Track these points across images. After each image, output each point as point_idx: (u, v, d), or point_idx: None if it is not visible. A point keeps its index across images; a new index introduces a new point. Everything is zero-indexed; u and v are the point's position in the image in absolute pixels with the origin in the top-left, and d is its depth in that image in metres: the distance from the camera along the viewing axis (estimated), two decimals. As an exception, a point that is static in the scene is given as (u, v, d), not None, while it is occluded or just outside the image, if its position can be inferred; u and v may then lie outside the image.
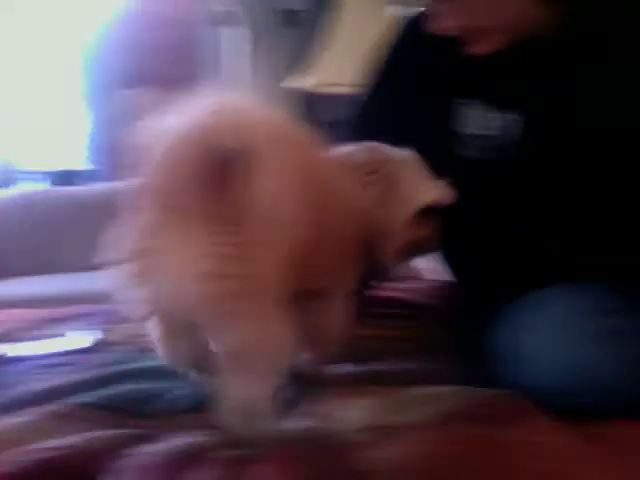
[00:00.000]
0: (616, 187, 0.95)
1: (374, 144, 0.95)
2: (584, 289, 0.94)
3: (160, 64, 2.92)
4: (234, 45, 2.75)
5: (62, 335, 1.12)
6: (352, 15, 2.15)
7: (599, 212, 0.96)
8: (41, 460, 0.69)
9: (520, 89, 1.01)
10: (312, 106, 2.51)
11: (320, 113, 2.40)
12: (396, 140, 0.97)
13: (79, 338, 1.10)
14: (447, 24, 0.97)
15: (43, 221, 2.90)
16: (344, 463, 0.70)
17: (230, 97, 0.69)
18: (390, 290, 1.24)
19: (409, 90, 1.12)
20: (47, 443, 0.72)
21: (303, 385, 0.90)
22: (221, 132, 0.64)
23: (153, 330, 0.79)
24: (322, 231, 0.75)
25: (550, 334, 0.89)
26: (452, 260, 1.17)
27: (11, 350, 1.06)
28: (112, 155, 0.73)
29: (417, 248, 0.96)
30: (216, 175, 0.64)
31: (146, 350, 0.87)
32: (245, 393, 0.70)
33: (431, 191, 0.93)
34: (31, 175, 3.40)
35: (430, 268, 1.39)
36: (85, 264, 0.72)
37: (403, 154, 0.95)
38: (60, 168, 3.40)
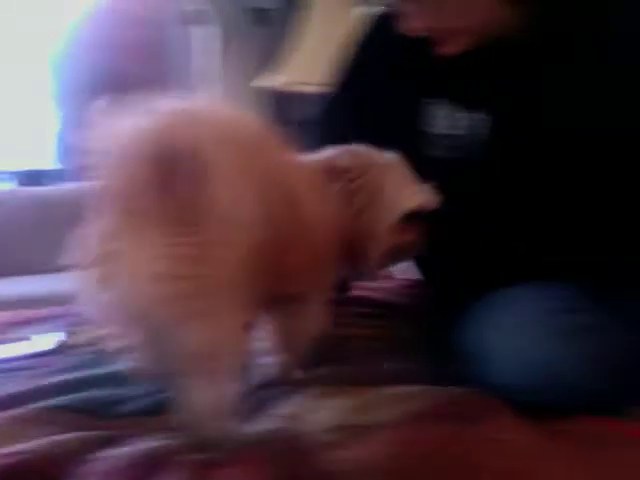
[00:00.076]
0: (582, 187, 0.96)
1: (357, 147, 0.95)
2: (549, 288, 0.95)
3: (130, 63, 2.90)
4: (204, 44, 2.74)
5: (27, 339, 1.10)
6: (321, 14, 2.15)
7: (565, 211, 0.97)
8: (5, 465, 0.68)
9: (487, 89, 1.02)
10: (282, 105, 2.51)
11: (290, 112, 2.40)
12: (364, 139, 0.97)
13: (43, 341, 1.08)
14: (415, 25, 0.97)
15: (10, 221, 2.86)
16: (312, 464, 0.70)
17: (188, 100, 0.68)
18: (360, 289, 1.24)
19: (376, 89, 1.12)
20: (12, 448, 0.71)
21: (272, 387, 0.90)
22: (176, 135, 0.64)
23: (122, 335, 0.78)
24: (288, 234, 0.75)
25: (515, 332, 0.90)
26: (420, 258, 1.17)
27: (-24, 355, 1.04)
28: (78, 156, 0.72)
29: (401, 253, 0.96)
30: (172, 177, 0.63)
31: (111, 353, 0.86)
32: (204, 395, 0.70)
33: (416, 196, 0.93)
34: (-2, 175, 3.34)
35: (400, 267, 1.40)
36: (52, 265, 0.72)
37: (387, 158, 0.94)
38: (27, 168, 3.35)
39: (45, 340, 1.09)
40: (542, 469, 0.70)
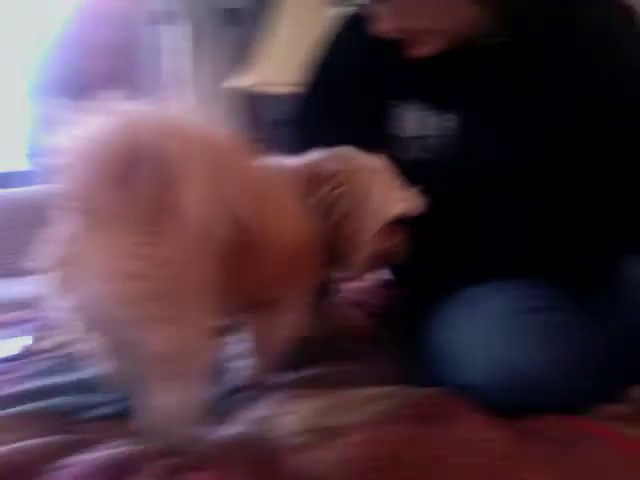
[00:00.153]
0: (550, 186, 0.97)
1: (343, 151, 0.95)
2: (517, 287, 0.96)
3: (98, 63, 2.86)
4: (174, 44, 2.72)
5: (-6, 344, 1.08)
6: (292, 14, 2.14)
7: (533, 211, 0.98)
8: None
9: (456, 90, 1.02)
10: (254, 105, 2.49)
11: (262, 112, 2.39)
12: (335, 140, 0.97)
13: (8, 346, 1.06)
14: (386, 26, 0.97)
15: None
16: (280, 468, 0.70)
17: (155, 104, 0.68)
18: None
19: (346, 90, 1.11)
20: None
21: (242, 391, 0.89)
22: (141, 135, 0.63)
23: (90, 342, 0.78)
24: (255, 239, 0.74)
25: (484, 332, 0.90)
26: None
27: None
28: (46, 156, 0.71)
29: (386, 258, 0.96)
30: (136, 177, 0.63)
31: (78, 359, 0.86)
32: (170, 398, 0.70)
33: (401, 202, 0.93)
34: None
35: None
36: (20, 269, 0.71)
37: (373, 162, 0.94)
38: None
39: (10, 345, 1.07)
40: (513, 468, 0.70)
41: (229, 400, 0.86)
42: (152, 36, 2.83)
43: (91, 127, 0.64)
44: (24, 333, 1.14)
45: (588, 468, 0.72)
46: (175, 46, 2.73)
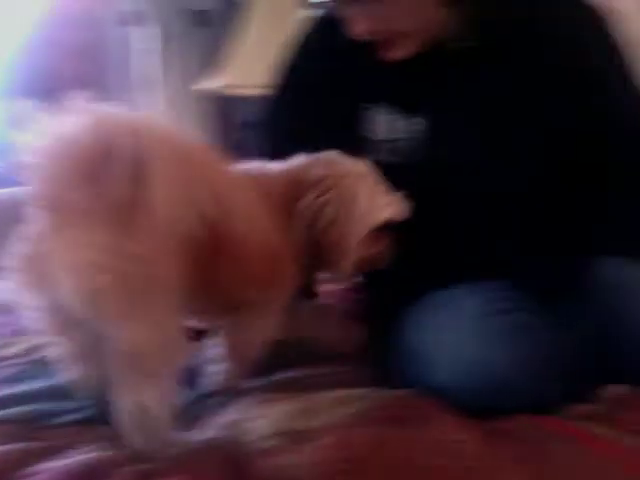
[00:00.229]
0: (517, 188, 0.98)
1: (329, 156, 0.94)
2: (486, 289, 0.96)
3: (67, 64, 2.83)
4: (143, 45, 2.69)
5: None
6: (262, 16, 2.13)
7: (499, 212, 0.98)
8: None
9: (424, 93, 1.03)
10: (223, 107, 2.48)
11: (232, 115, 2.38)
12: (305, 143, 0.97)
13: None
14: (359, 28, 0.97)
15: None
16: (251, 472, 0.70)
17: (117, 104, 0.67)
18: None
19: (316, 92, 1.11)
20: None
21: (213, 395, 0.89)
22: (108, 134, 0.63)
23: (57, 347, 0.77)
24: (226, 240, 0.75)
25: (453, 334, 0.91)
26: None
27: None
28: (16, 156, 0.71)
29: (371, 263, 0.96)
30: (104, 175, 0.63)
31: (44, 365, 0.85)
32: (139, 398, 0.69)
33: (387, 207, 0.93)
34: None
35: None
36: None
37: (359, 167, 0.94)
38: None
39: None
40: (484, 469, 0.70)
41: (200, 404, 0.86)
42: (121, 37, 2.80)
43: (61, 126, 0.64)
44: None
45: (558, 468, 0.72)
46: (144, 47, 2.71)
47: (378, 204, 0.92)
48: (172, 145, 0.67)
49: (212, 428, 0.80)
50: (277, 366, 0.96)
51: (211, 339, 0.93)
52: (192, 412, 0.83)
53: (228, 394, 0.88)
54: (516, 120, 0.99)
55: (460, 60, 1.00)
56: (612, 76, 1.01)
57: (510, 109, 0.99)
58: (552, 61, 0.98)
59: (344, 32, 0.99)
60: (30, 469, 0.69)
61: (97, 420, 0.80)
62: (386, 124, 1.06)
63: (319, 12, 1.18)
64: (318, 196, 0.89)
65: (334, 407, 0.82)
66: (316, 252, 0.90)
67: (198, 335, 0.95)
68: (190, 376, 0.89)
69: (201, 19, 2.65)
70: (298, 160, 0.95)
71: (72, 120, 0.64)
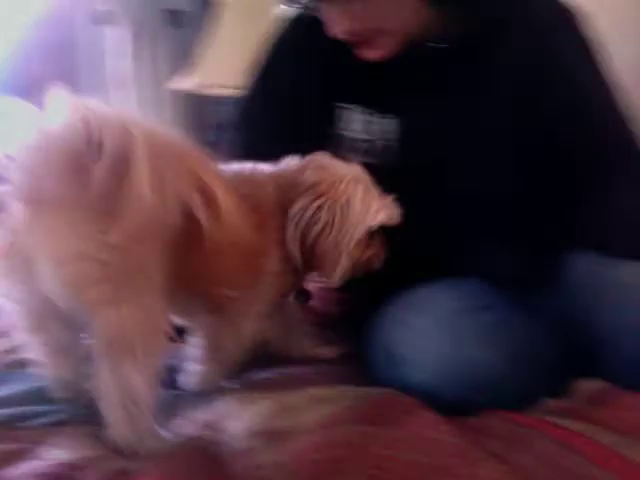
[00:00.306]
0: (490, 188, 0.98)
1: (323, 160, 0.94)
2: (460, 286, 0.97)
3: (40, 64, 2.80)
4: (117, 45, 2.67)
5: None
6: (236, 15, 2.13)
7: (470, 211, 0.99)
8: None
9: (396, 94, 1.03)
10: (197, 107, 2.47)
11: (205, 115, 2.37)
12: (280, 143, 0.97)
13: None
14: (338, 28, 0.97)
15: None
16: (227, 472, 0.69)
17: (93, 100, 0.67)
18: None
19: (291, 93, 1.11)
20: None
21: (193, 394, 0.88)
22: (91, 127, 0.63)
23: (34, 348, 0.77)
24: (206, 232, 0.74)
25: (428, 332, 0.91)
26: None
27: None
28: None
29: (365, 266, 0.96)
30: (86, 167, 0.63)
31: (23, 365, 0.84)
32: (125, 379, 0.70)
33: (381, 212, 0.93)
34: None
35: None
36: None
37: (352, 171, 0.94)
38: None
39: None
40: (461, 466, 0.71)
41: (178, 403, 0.85)
42: (93, 37, 2.78)
43: (45, 119, 0.64)
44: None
45: (536, 464, 0.73)
46: (117, 47, 2.69)
47: (372, 208, 0.93)
48: (156, 138, 0.67)
49: (190, 427, 0.80)
50: (255, 365, 0.96)
51: (191, 338, 0.92)
52: (170, 410, 0.82)
53: (207, 393, 0.88)
54: (484, 119, 0.99)
55: (435, 61, 1.00)
56: (585, 75, 1.02)
57: (482, 110, 1.00)
58: (521, 60, 0.99)
59: (320, 32, 0.99)
60: (2, 471, 0.69)
61: (73, 421, 0.79)
62: (362, 124, 1.06)
63: (294, 11, 1.17)
64: (312, 200, 0.89)
65: (312, 406, 0.82)
66: (309, 256, 0.90)
67: (178, 334, 0.94)
68: (169, 374, 0.88)
69: (174, 19, 2.64)
70: (290, 162, 0.94)
71: (56, 112, 0.64)
